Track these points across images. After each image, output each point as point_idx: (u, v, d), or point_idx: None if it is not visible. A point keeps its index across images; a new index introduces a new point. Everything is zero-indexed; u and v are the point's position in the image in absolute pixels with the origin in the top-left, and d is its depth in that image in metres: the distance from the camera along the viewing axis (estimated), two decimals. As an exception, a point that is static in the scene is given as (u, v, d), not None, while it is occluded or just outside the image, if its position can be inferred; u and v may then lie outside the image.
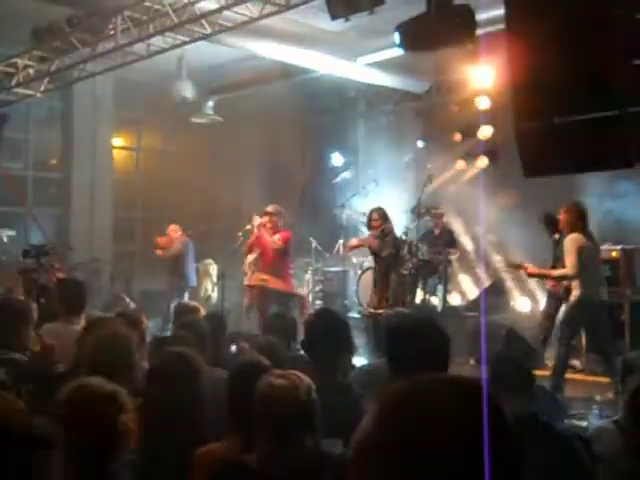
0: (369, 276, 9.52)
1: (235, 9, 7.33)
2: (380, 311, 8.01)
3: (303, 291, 11.21)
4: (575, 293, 6.56)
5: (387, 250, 8.42)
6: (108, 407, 2.08)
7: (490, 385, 1.03)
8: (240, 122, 12.45)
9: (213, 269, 11.78)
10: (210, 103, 12.11)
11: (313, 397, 2.39)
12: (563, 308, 6.80)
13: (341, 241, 11.48)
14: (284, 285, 8.71)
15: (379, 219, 8.52)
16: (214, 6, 7.35)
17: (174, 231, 10.56)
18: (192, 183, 12.49)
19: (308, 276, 11.50)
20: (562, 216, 6.81)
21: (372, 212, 8.71)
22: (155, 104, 11.76)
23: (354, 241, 9.32)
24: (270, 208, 8.77)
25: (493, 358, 3.23)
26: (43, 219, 11.81)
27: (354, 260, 11.67)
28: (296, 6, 6.97)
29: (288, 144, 12.87)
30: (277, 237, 8.61)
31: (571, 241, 6.53)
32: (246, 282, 9.07)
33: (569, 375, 7.56)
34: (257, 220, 8.66)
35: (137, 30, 8.08)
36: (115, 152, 13.26)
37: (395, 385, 1.03)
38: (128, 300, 10.11)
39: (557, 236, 8.01)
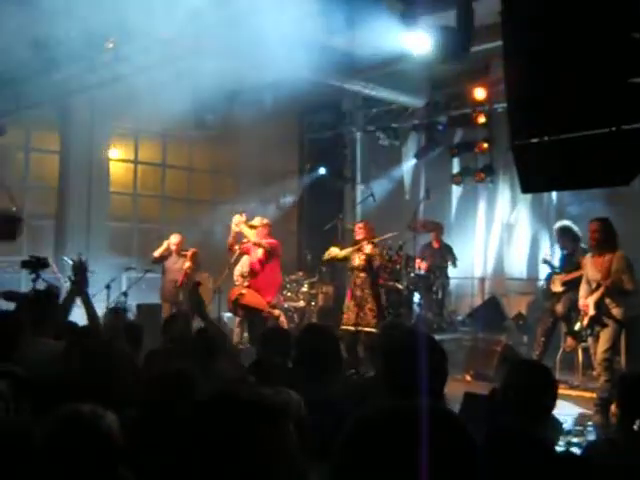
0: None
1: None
2: (360, 328, 7.91)
3: (299, 304, 11.23)
4: (621, 312, 6.54)
5: (372, 264, 8.21)
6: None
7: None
8: (238, 134, 12.47)
9: (209, 282, 11.74)
10: (209, 115, 12.11)
11: (302, 414, 2.38)
12: (606, 331, 6.63)
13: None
14: (260, 300, 8.66)
15: (363, 229, 8.31)
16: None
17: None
18: (189, 195, 12.51)
19: (304, 289, 11.48)
20: (596, 230, 6.71)
21: (357, 224, 8.57)
22: (153, 116, 11.77)
23: (332, 253, 8.81)
24: (255, 221, 8.86)
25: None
26: (39, 230, 11.80)
27: (349, 273, 11.64)
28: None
29: (286, 158, 12.90)
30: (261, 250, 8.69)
31: (624, 258, 6.56)
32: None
33: (565, 391, 7.54)
34: (237, 219, 8.74)
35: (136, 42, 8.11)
36: (112, 164, 13.26)
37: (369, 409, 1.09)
38: (124, 312, 10.04)
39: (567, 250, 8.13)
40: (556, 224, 8.59)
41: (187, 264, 9.95)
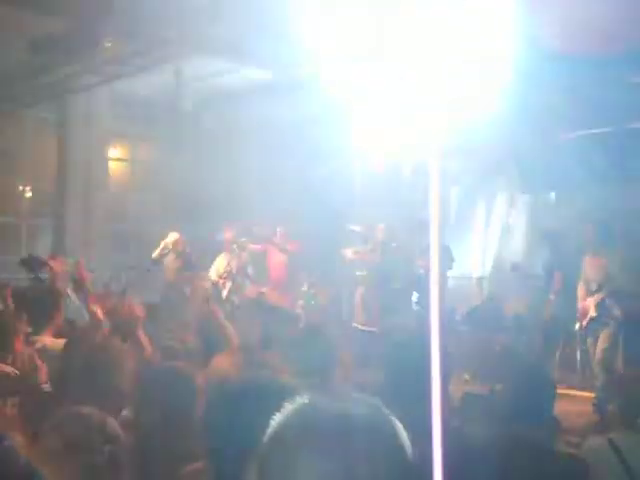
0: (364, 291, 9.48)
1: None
2: (371, 328, 7.94)
3: (298, 304, 11.23)
4: (621, 312, 6.55)
5: (381, 265, 8.30)
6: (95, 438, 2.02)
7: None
8: (237, 134, 12.45)
9: (208, 282, 11.73)
10: (207, 115, 12.11)
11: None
12: (606, 331, 6.65)
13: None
14: (282, 300, 8.76)
15: (382, 234, 8.40)
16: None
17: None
18: (187, 195, 12.47)
19: (304, 289, 11.47)
20: (590, 232, 6.73)
21: (377, 226, 8.61)
22: (151, 116, 11.77)
23: (349, 253, 9.00)
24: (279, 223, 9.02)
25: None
26: (38, 230, 11.79)
27: (358, 273, 11.60)
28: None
29: (285, 156, 12.87)
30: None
31: (623, 259, 6.57)
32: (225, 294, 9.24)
33: (564, 391, 7.55)
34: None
35: (135, 42, 8.10)
36: (110, 163, 13.25)
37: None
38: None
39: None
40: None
41: (175, 264, 10.05)
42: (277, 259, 8.93)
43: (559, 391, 6.85)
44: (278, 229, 9.12)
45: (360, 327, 8.09)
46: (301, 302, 11.31)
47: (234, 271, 9.46)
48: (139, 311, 4.22)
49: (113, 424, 2.10)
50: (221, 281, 9.28)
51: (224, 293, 10.18)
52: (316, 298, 11.47)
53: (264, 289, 8.90)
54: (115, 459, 2.03)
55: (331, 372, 3.39)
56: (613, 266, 6.56)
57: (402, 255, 8.80)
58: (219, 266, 9.51)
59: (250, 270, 10.05)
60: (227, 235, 10.19)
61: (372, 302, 8.18)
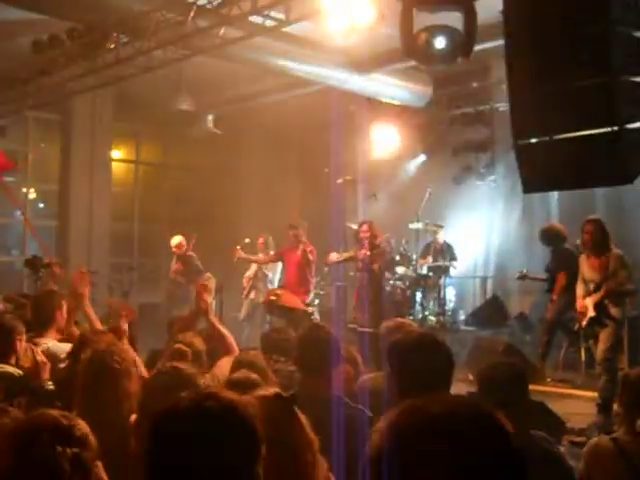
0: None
1: (235, 24, 7.36)
2: (367, 329, 7.93)
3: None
4: (620, 311, 6.53)
5: (376, 264, 8.33)
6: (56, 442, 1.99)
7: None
8: (239, 136, 12.47)
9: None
10: (209, 116, 12.13)
11: None
12: (606, 331, 6.63)
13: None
14: (296, 301, 8.78)
15: (368, 231, 8.45)
16: (214, 21, 7.37)
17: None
18: (190, 196, 12.53)
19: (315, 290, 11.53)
20: (590, 231, 6.71)
21: (362, 225, 8.66)
22: (154, 117, 11.79)
23: (334, 257, 8.98)
24: (296, 224, 9.06)
25: (484, 372, 3.30)
26: (41, 231, 11.81)
27: (351, 274, 11.62)
28: (295, 22, 7.01)
29: (287, 157, 12.90)
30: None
31: (620, 257, 6.55)
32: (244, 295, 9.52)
33: (567, 390, 7.54)
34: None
35: (138, 43, 8.10)
36: (114, 164, 13.27)
37: (403, 405, 1.07)
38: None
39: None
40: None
41: (173, 266, 10.20)
42: (293, 261, 9.02)
43: (564, 391, 6.86)
44: (292, 232, 9.22)
45: (358, 328, 8.08)
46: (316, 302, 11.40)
47: (259, 273, 10.26)
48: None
49: (82, 427, 2.04)
50: (247, 281, 10.15)
51: (244, 293, 10.47)
52: (320, 299, 11.50)
53: (279, 291, 9.04)
54: (80, 463, 1.97)
55: (333, 371, 3.38)
56: (611, 265, 6.54)
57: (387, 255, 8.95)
58: (249, 269, 10.30)
59: (270, 273, 10.34)
60: (260, 241, 10.37)
61: (367, 302, 8.23)
